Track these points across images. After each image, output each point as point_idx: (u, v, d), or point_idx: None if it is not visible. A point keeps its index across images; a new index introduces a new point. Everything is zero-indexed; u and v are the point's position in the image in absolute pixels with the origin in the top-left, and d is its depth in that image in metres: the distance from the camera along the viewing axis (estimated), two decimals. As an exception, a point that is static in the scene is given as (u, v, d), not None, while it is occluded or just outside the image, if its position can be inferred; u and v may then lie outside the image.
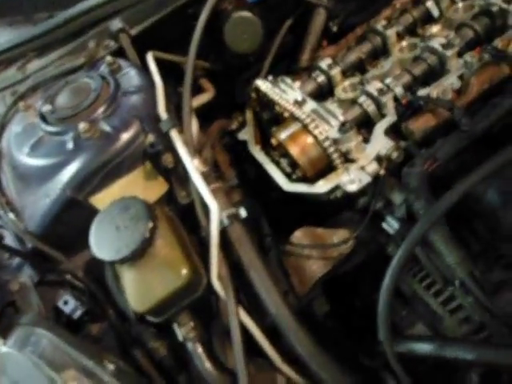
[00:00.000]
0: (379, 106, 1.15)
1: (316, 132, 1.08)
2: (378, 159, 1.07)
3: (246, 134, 1.38)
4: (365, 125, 1.16)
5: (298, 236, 1.17)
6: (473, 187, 0.87)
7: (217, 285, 0.99)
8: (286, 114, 1.22)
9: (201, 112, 1.55)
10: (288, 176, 1.19)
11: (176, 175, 1.19)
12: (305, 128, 1.11)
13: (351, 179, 1.03)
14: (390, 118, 1.12)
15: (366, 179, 1.03)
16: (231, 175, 1.48)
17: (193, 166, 1.08)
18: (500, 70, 1.10)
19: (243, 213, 1.07)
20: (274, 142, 1.16)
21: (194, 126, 1.33)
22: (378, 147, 1.07)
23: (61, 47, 1.33)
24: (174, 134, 1.13)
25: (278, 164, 1.24)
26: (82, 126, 1.06)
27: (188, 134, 1.18)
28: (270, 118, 1.36)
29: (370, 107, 1.15)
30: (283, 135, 1.14)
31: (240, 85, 1.71)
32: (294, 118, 1.16)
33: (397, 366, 0.81)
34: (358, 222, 1.22)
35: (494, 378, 1.05)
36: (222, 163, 1.51)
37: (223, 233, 1.05)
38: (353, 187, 1.03)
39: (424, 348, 0.85)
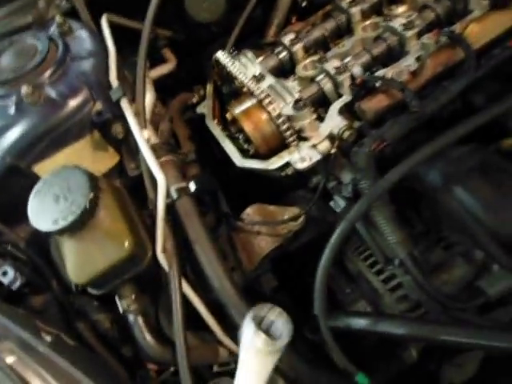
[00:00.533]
0: (336, 84, 1.14)
1: (270, 108, 1.06)
2: (331, 138, 1.07)
3: (204, 108, 1.35)
4: (322, 104, 1.15)
5: (249, 212, 1.17)
6: (414, 167, 0.88)
7: (161, 258, 0.98)
8: (245, 89, 1.20)
9: (166, 85, 1.51)
10: (244, 152, 1.17)
11: (126, 146, 1.16)
12: (259, 104, 1.09)
13: (302, 157, 1.03)
14: (345, 97, 1.12)
15: (316, 157, 1.03)
16: (189, 149, 1.46)
17: (142, 137, 1.06)
18: (455, 54, 1.10)
19: (193, 187, 1.06)
20: (228, 116, 1.14)
21: (149, 96, 1.29)
22: (331, 126, 1.07)
23: (7, 4, 1.25)
24: (124, 104, 1.09)
25: (235, 140, 1.22)
26: (25, 89, 1.01)
27: (139, 104, 1.14)
28: (230, 92, 1.33)
29: (327, 86, 1.14)
30: (238, 110, 1.12)
31: (207, 58, 1.67)
32: (250, 94, 1.14)
33: (329, 339, 0.83)
34: (310, 200, 1.23)
35: (433, 354, 1.09)
36: (181, 137, 1.49)
37: (171, 207, 1.03)
38: (303, 165, 1.03)
39: (359, 323, 0.87)
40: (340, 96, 1.14)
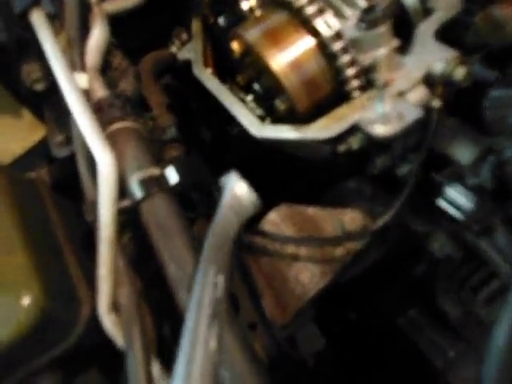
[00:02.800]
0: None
1: (318, 25, 0.56)
2: (429, 81, 0.57)
3: (190, 52, 0.84)
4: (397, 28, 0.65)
5: (275, 220, 0.67)
6: None
7: (107, 322, 0.47)
8: (258, 12, 0.70)
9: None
10: (261, 119, 0.67)
11: (52, 108, 0.64)
12: (296, 18, 0.58)
13: (383, 115, 0.53)
14: (442, 13, 0.62)
15: (414, 114, 0.54)
16: (167, 122, 0.94)
17: (71, 82, 0.54)
18: None
19: (173, 176, 0.55)
20: (236, 47, 0.63)
21: (97, 32, 0.77)
22: (428, 60, 0.58)
23: None
24: (38, 18, 0.57)
25: (245, 96, 0.73)
26: None
27: (72, 28, 0.62)
28: (230, 23, 0.82)
29: (408, -6, 0.64)
30: (255, 34, 0.61)
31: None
32: (275, 4, 0.63)
33: None
34: (373, 197, 0.74)
35: None
36: (155, 105, 0.97)
37: (132, 214, 0.53)
38: (386, 130, 0.53)
39: None
40: (428, 13, 0.64)
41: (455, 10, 0.63)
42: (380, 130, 0.53)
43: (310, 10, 0.56)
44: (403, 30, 0.63)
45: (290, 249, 0.63)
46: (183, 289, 0.47)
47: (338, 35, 0.55)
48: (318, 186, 0.78)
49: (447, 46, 0.59)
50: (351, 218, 0.65)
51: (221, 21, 0.84)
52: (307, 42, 0.57)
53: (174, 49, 1.02)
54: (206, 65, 0.82)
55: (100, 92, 0.64)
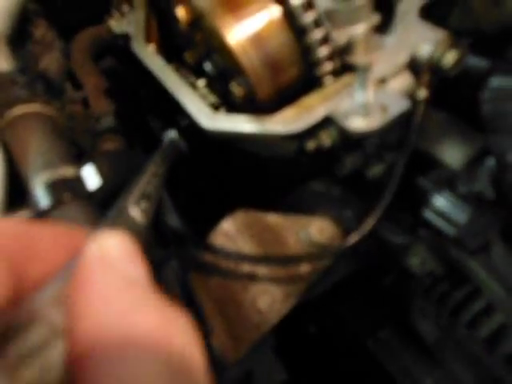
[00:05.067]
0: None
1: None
2: (414, 66, 0.48)
3: (130, 24, 0.70)
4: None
5: (229, 230, 0.55)
6: None
7: None
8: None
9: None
10: (214, 108, 0.55)
11: None
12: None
13: (364, 105, 0.43)
14: None
15: (399, 105, 0.44)
16: (104, 110, 0.81)
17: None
18: None
19: (93, 179, 0.42)
20: (182, 17, 0.50)
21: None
22: (413, 41, 0.48)
23: None
24: None
25: (194, 79, 0.60)
26: None
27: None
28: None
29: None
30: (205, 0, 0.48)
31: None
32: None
33: None
34: (342, 201, 0.65)
35: None
36: (90, 89, 0.83)
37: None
38: (367, 124, 0.43)
39: None
40: (410, -10, 0.55)
41: (442, -15, 0.54)
42: (359, 123, 0.43)
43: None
44: (381, 4, 0.53)
45: (247, 266, 0.52)
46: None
47: (309, 4, 0.44)
48: (278, 187, 0.68)
49: (434, 26, 0.50)
50: (319, 229, 0.55)
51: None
52: (272, 11, 0.45)
53: (112, 23, 0.86)
54: (148, 40, 0.68)
55: (2, 64, 0.49)
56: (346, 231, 0.58)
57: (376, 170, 0.59)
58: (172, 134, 0.50)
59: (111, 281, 0.17)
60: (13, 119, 0.43)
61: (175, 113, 0.72)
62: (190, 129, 0.72)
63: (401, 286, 0.62)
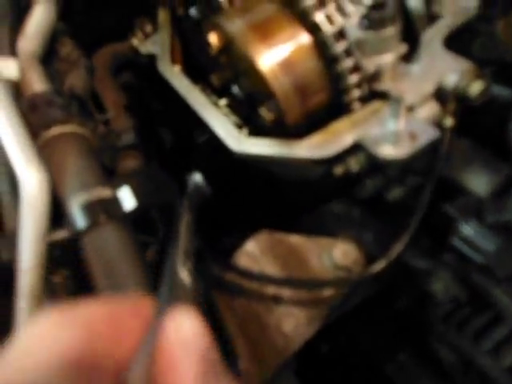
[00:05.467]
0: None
1: (319, 20, 0.46)
2: (441, 95, 0.49)
3: (156, 45, 0.72)
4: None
5: (253, 251, 0.55)
6: None
7: None
8: (238, 3, 0.59)
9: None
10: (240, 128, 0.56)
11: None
12: (291, 9, 0.48)
13: (394, 133, 0.44)
14: (453, 18, 0.55)
15: (428, 134, 0.45)
16: (124, 126, 0.81)
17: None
18: None
19: (129, 200, 0.43)
20: (214, 43, 0.51)
21: (42, 9, 0.63)
22: (439, 71, 0.50)
23: None
24: None
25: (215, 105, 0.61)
26: None
27: None
28: (203, 17, 0.70)
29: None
30: (239, 25, 0.50)
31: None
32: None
33: None
34: (362, 223, 0.65)
35: None
36: (112, 106, 0.84)
37: (71, 247, 0.40)
38: (397, 151, 0.44)
39: None
40: (433, 20, 0.56)
41: (465, 15, 0.56)
42: (389, 151, 0.44)
43: (310, 0, 0.45)
44: (406, 34, 0.54)
45: (271, 289, 0.52)
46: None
47: (341, 34, 0.45)
48: (297, 209, 0.68)
49: (458, 56, 0.51)
50: (343, 252, 0.55)
51: (193, 12, 0.72)
52: (303, 40, 0.46)
53: (135, 41, 0.88)
54: (173, 61, 0.70)
55: (37, 85, 0.51)
56: (368, 254, 0.58)
57: (396, 193, 0.60)
58: (196, 178, 0.50)
59: (194, 366, 0.19)
60: (49, 140, 0.44)
61: (192, 130, 0.73)
62: (208, 145, 0.73)
63: (419, 310, 0.62)
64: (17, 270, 0.34)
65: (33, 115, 0.44)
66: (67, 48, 0.80)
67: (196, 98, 0.59)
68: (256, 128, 0.58)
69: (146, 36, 0.85)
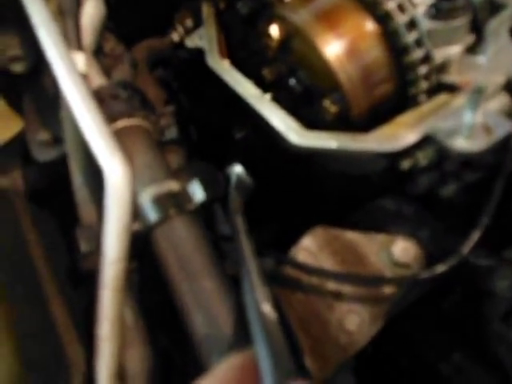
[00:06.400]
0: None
1: (391, 8, 0.45)
2: (511, 87, 0.47)
3: (201, 39, 0.71)
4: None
5: (310, 247, 0.55)
6: None
7: None
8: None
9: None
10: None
11: (32, 93, 0.50)
12: (354, 1, 0.47)
13: (470, 126, 0.42)
14: None
15: (504, 127, 0.43)
16: (167, 121, 0.81)
17: (69, 64, 0.40)
18: None
19: (199, 193, 0.42)
20: (275, 34, 0.51)
21: (92, 4, 0.63)
22: (507, 62, 0.48)
23: None
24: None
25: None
26: None
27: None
28: (251, 11, 0.70)
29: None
30: (304, 15, 0.49)
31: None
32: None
33: None
34: (416, 220, 0.63)
35: None
36: (154, 101, 0.84)
37: (142, 240, 0.39)
38: (472, 145, 0.42)
39: None
40: (497, 10, 0.54)
41: (532, 5, 0.54)
42: (463, 144, 0.42)
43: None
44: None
45: (331, 285, 0.51)
46: (215, 351, 0.35)
47: (412, 23, 0.44)
48: (345, 205, 0.67)
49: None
50: (402, 249, 0.54)
51: (240, 6, 0.72)
52: (371, 29, 0.45)
53: (175, 36, 0.88)
54: (221, 54, 0.69)
55: (98, 79, 0.51)
56: (426, 252, 0.57)
57: (451, 189, 0.58)
58: (238, 170, 0.51)
59: None
60: (115, 133, 0.44)
61: (231, 126, 0.73)
62: (246, 141, 0.72)
63: (477, 309, 0.61)
64: (97, 264, 0.34)
65: (108, 108, 0.44)
66: (111, 43, 0.80)
67: (250, 91, 0.58)
68: (304, 123, 0.57)
69: (187, 31, 0.84)
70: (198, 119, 0.86)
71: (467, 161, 0.52)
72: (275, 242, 0.58)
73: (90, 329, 0.35)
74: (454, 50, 0.47)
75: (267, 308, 0.25)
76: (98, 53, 0.74)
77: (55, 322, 0.35)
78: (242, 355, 0.23)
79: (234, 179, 0.50)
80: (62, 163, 0.43)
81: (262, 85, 0.64)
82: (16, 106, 0.53)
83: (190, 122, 0.85)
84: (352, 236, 0.57)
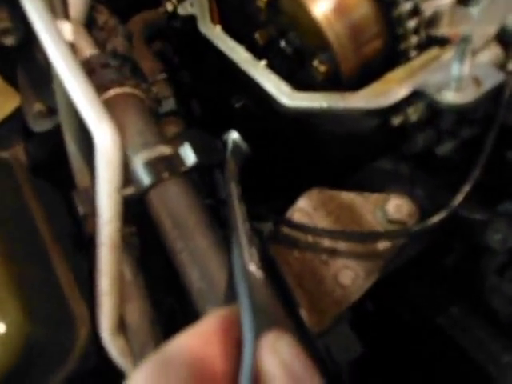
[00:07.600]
0: None
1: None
2: (503, 38, 0.46)
3: (194, 6, 0.70)
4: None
5: (306, 208, 0.56)
6: None
7: (113, 347, 0.36)
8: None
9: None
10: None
11: (25, 66, 0.51)
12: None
13: (458, 78, 0.42)
14: None
15: (494, 78, 0.43)
16: (165, 92, 0.82)
17: (49, 24, 0.40)
18: None
19: (190, 156, 0.43)
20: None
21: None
22: (500, 12, 0.47)
23: None
24: None
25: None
26: None
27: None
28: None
29: None
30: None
31: None
32: None
33: None
34: (412, 180, 0.64)
35: None
36: (151, 73, 0.84)
37: (137, 203, 0.41)
38: (461, 97, 0.42)
39: None
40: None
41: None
42: (453, 97, 0.42)
43: None
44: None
45: (326, 242, 0.53)
46: (210, 304, 0.36)
47: (397, -26, 0.43)
48: (343, 167, 0.67)
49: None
50: (396, 206, 0.55)
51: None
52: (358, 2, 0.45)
53: (169, 6, 0.87)
54: (213, 20, 0.68)
55: (88, 50, 0.51)
56: (421, 209, 0.57)
57: (447, 147, 0.58)
58: (234, 137, 0.51)
59: None
60: (107, 101, 0.45)
61: (229, 94, 0.73)
62: (246, 110, 0.72)
63: (472, 262, 0.62)
64: (94, 224, 0.36)
65: (90, 77, 0.45)
66: (104, 16, 0.79)
67: (242, 56, 0.58)
68: (301, 87, 0.57)
69: (179, 1, 0.83)
70: (199, 93, 0.86)
71: (460, 116, 0.52)
72: (277, 207, 0.60)
73: (94, 288, 0.37)
74: (445, 1, 0.46)
75: (253, 268, 0.26)
76: (91, 26, 0.74)
77: (59, 280, 0.38)
78: (230, 309, 0.25)
79: (229, 145, 0.51)
80: (58, 133, 0.44)
81: (256, 51, 0.64)
82: (12, 79, 0.54)
83: (192, 97, 0.85)
84: (347, 196, 0.57)
